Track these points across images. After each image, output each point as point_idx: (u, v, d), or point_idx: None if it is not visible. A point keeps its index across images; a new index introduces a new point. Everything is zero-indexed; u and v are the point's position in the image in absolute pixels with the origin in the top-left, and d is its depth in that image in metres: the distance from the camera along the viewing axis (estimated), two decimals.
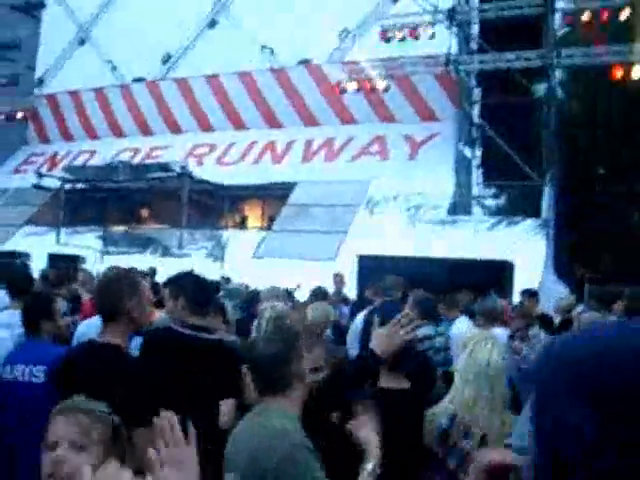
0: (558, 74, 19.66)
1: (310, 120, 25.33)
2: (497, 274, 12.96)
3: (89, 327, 5.17)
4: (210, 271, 12.40)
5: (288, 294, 8.29)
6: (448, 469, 3.77)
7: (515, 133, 18.93)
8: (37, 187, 24.88)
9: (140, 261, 16.07)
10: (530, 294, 11.07)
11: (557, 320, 9.81)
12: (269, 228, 21.94)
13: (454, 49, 20.14)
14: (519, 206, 20.70)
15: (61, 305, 4.76)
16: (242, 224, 23.88)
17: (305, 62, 25.46)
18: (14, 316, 5.51)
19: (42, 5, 30.60)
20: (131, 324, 3.55)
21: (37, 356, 4.35)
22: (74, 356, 3.71)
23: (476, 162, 20.40)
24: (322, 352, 3.96)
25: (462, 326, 7.37)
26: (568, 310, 9.56)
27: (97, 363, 3.41)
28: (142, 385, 3.33)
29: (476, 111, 20.54)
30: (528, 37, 18.52)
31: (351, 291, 13.04)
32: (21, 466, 3.95)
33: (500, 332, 6.78)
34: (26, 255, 18.84)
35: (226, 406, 4.10)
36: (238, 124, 26.66)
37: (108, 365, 3.38)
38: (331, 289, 11.05)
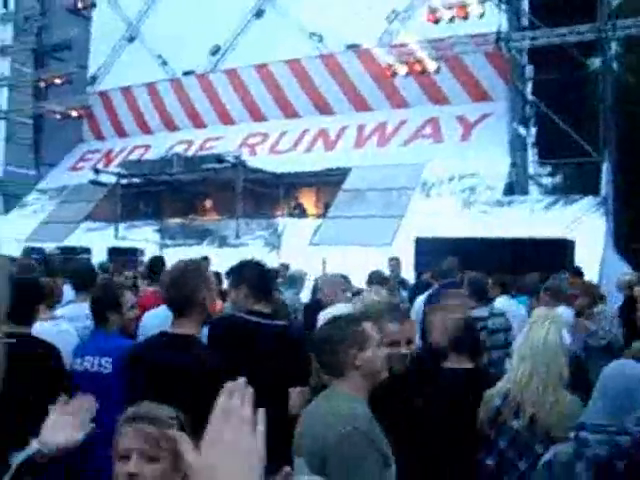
0: (614, 46, 19.23)
1: (361, 105, 25.22)
2: (558, 253, 12.77)
3: (154, 318, 5.22)
4: (267, 260, 12.43)
5: (344, 279, 8.26)
6: (499, 449, 3.75)
7: (570, 109, 18.56)
8: (94, 183, 25.24)
9: (198, 252, 16.18)
10: (575, 272, 10.98)
11: (620, 297, 9.69)
12: (324, 215, 21.95)
13: (504, 26, 19.83)
14: (576, 184, 20.34)
15: (129, 298, 4.82)
16: (297, 212, 23.88)
17: (354, 47, 25.33)
18: (79, 309, 5.62)
19: (93, 5, 30.96)
20: (204, 314, 3.60)
21: (104, 348, 4.44)
22: (151, 347, 3.73)
23: (531, 140, 20.06)
24: (412, 326, 3.99)
25: (498, 306, 7.30)
26: (630, 286, 9.40)
27: (177, 354, 3.43)
28: (222, 375, 3.33)
29: (529, 88, 20.19)
30: (581, 10, 18.10)
31: (409, 275, 12.99)
32: (87, 457, 4.02)
33: (563, 310, 6.71)
34: (87, 250, 19.16)
35: (294, 393, 4.12)
36: (289, 112, 26.68)
37: (186, 356, 3.41)
38: (388, 274, 10.99)
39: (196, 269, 3.69)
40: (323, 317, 6.08)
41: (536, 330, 3.78)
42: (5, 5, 31.20)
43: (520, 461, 3.64)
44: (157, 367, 3.38)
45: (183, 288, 3.55)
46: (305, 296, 9.80)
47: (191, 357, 3.41)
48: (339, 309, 5.89)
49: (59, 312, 5.77)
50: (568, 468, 2.71)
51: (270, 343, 4.23)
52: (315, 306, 7.12)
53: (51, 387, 3.80)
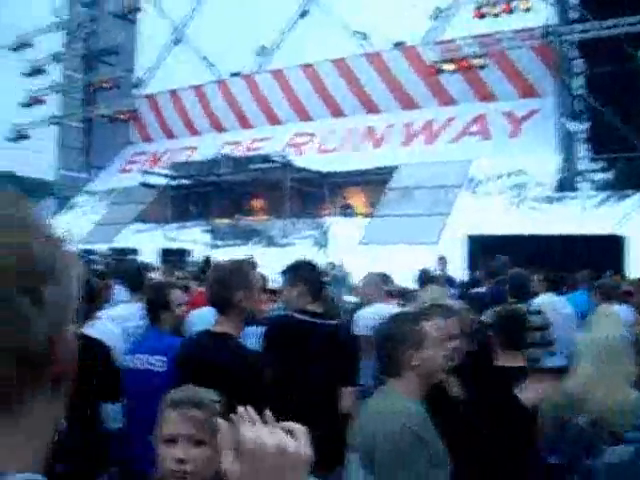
0: None
1: (408, 103, 25.12)
2: (609, 249, 12.59)
3: (199, 317, 5.29)
4: (315, 259, 12.44)
5: (386, 278, 8.22)
6: (562, 447, 3.70)
7: (621, 103, 18.24)
8: (144, 185, 25.53)
9: (246, 252, 16.28)
10: (617, 271, 10.84)
11: None
12: (372, 213, 21.90)
13: (552, 20, 19.57)
14: (628, 179, 19.97)
15: (178, 296, 4.87)
16: (345, 211, 23.84)
17: (399, 45, 25.26)
18: (130, 309, 5.69)
19: (138, 9, 31.37)
20: (242, 314, 3.61)
21: (156, 346, 4.48)
22: (191, 345, 3.79)
23: (581, 136, 19.76)
24: (456, 321, 3.97)
25: (539, 303, 7.20)
26: None
27: (213, 352, 3.49)
28: (258, 373, 3.38)
29: (579, 83, 19.89)
30: (631, 1, 17.79)
31: (457, 272, 12.91)
32: (136, 453, 4.06)
33: (621, 309, 6.60)
34: (136, 251, 19.40)
35: (346, 393, 4.15)
36: (336, 111, 26.70)
37: (222, 354, 3.46)
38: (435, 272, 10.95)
39: (236, 270, 3.69)
40: (360, 316, 6.09)
41: (598, 328, 3.73)
42: (56, 14, 31.82)
43: (583, 459, 3.59)
44: (200, 364, 3.43)
45: (222, 288, 3.59)
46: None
47: (228, 355, 3.44)
48: (378, 309, 5.91)
49: (112, 312, 5.84)
50: (630, 467, 2.66)
51: (323, 342, 4.26)
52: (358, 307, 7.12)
53: (102, 385, 3.86)
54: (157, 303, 4.71)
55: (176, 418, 2.26)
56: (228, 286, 3.56)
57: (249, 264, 4.31)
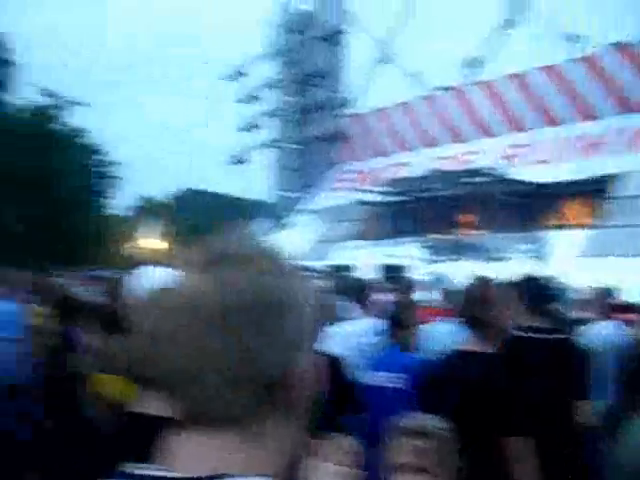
0: None
1: (627, 106, 23.88)
2: None
3: (430, 333, 5.30)
4: (535, 273, 12.09)
5: (610, 292, 7.82)
6: None
7: None
8: (359, 203, 26.02)
9: (462, 267, 16.11)
10: None
11: None
12: (592, 225, 21.04)
13: None
14: None
15: (413, 314, 4.95)
16: (563, 222, 23.04)
17: (617, 44, 24.09)
18: (361, 325, 5.76)
19: (342, 31, 32.18)
20: (492, 331, 3.56)
21: (396, 364, 4.58)
22: (441, 364, 3.77)
23: None
24: None
25: None
26: None
27: (465, 370, 3.48)
28: (509, 391, 3.35)
29: None
30: None
31: None
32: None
33: None
34: (352, 267, 19.72)
35: (584, 405, 4.16)
36: (550, 120, 25.92)
37: (473, 371, 3.43)
38: None
39: (486, 288, 3.71)
40: (586, 332, 5.83)
41: None
42: (269, 43, 33.47)
43: None
44: (452, 383, 3.44)
45: (472, 306, 3.60)
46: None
47: (480, 373, 3.42)
48: (604, 325, 5.85)
49: (342, 328, 5.92)
50: None
51: (545, 357, 4.26)
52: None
53: (339, 399, 3.89)
54: (396, 321, 4.85)
55: (401, 447, 2.33)
56: (479, 304, 3.60)
57: (494, 282, 4.35)
